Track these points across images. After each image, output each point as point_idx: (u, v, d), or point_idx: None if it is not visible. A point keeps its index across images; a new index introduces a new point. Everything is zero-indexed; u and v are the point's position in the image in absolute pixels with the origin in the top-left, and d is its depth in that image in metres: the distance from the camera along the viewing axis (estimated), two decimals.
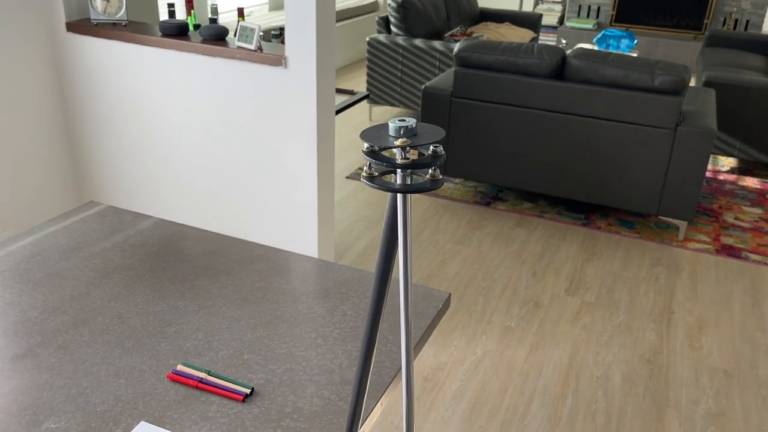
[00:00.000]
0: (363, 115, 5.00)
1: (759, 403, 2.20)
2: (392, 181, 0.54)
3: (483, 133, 3.43)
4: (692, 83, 6.10)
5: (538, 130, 3.30)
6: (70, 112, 2.70)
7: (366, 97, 2.87)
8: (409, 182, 0.53)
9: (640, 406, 2.17)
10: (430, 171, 0.54)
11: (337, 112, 2.64)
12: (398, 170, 0.53)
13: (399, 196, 0.53)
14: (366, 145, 0.53)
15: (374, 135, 0.52)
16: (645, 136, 3.12)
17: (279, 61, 2.13)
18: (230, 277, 1.32)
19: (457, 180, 3.90)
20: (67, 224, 1.50)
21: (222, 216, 2.57)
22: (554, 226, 3.39)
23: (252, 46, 2.18)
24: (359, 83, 5.94)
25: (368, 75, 4.73)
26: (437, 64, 4.47)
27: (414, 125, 0.51)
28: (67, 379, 1.02)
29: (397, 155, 0.52)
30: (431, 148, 0.53)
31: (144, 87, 2.48)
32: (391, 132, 0.51)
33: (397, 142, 0.49)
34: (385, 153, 0.53)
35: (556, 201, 3.67)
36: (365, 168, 0.53)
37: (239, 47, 2.21)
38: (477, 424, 2.06)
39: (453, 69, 3.69)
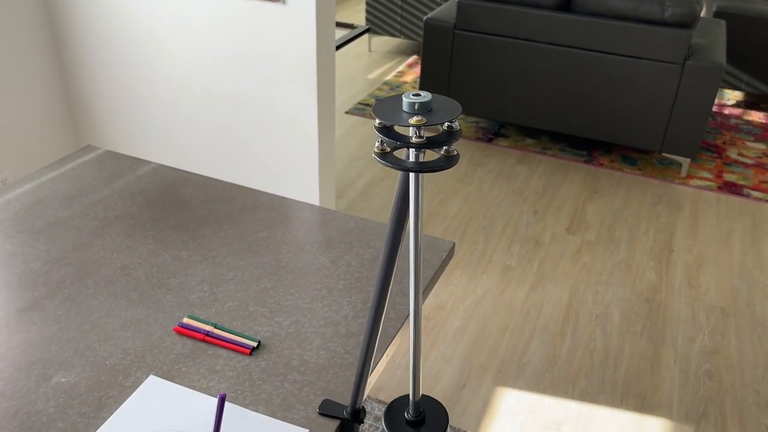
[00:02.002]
0: (362, 46, 4.87)
1: (754, 340, 2.25)
2: (404, 156, 0.52)
3: (486, 67, 3.35)
4: (702, 12, 5.91)
5: (543, 64, 3.22)
6: (61, 49, 2.62)
7: (366, 31, 2.79)
8: (422, 159, 0.51)
9: (637, 343, 2.21)
10: (444, 146, 0.51)
11: (337, 47, 2.56)
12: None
13: (412, 174, 0.51)
14: (378, 120, 0.50)
15: (387, 111, 0.49)
16: (652, 71, 3.04)
17: None
18: (233, 226, 1.31)
19: None
20: (65, 170, 1.48)
21: (221, 155, 2.54)
22: (556, 163, 3.36)
23: None
24: (357, 12, 5.76)
25: (368, 4, 4.58)
26: None
27: (429, 100, 0.49)
28: (75, 332, 1.03)
29: (411, 133, 0.49)
30: (446, 123, 0.50)
31: (138, 24, 2.40)
32: (405, 108, 0.49)
33: (412, 121, 0.47)
34: (397, 129, 0.51)
35: (558, 137, 3.63)
36: (377, 144, 0.51)
37: None
38: (477, 361, 2.11)
39: None
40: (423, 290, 1.18)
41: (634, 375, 2.08)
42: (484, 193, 3.07)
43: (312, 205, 1.39)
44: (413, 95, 0.49)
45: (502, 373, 2.06)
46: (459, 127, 0.50)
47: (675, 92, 3.05)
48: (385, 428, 0.70)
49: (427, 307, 2.34)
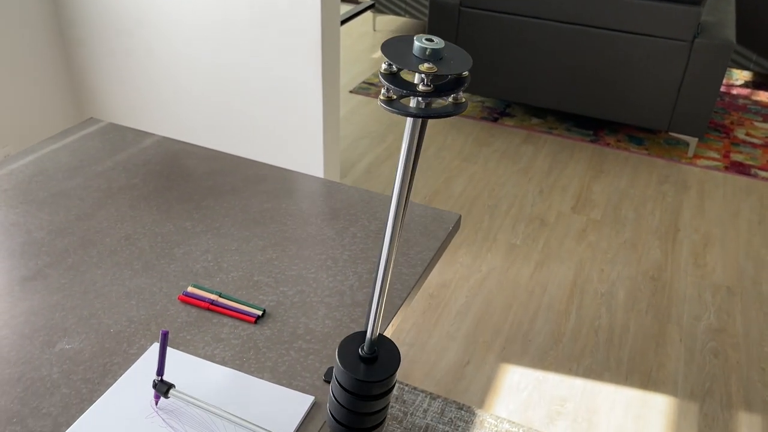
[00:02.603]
0: (366, 26, 4.82)
1: (760, 319, 2.24)
2: (410, 103, 0.51)
3: (492, 45, 3.31)
4: None
5: (550, 42, 3.19)
6: (63, 22, 2.60)
7: (371, 6, 2.75)
8: (429, 105, 0.50)
9: (642, 322, 2.20)
10: (452, 94, 0.50)
11: (342, 22, 2.53)
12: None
13: (417, 120, 0.50)
14: (384, 65, 0.49)
15: (396, 52, 0.48)
16: (660, 49, 3.01)
17: None
18: (237, 198, 1.30)
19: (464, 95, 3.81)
20: (67, 142, 1.47)
21: (224, 132, 2.52)
22: (562, 143, 3.34)
23: None
24: None
25: None
26: None
27: (441, 47, 0.47)
28: (79, 301, 1.02)
29: (418, 80, 0.48)
30: None
31: None
32: (416, 51, 0.47)
33: (422, 68, 0.46)
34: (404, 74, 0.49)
35: (564, 117, 3.60)
36: (383, 91, 0.50)
37: None
38: (481, 339, 2.10)
39: None
40: (429, 260, 1.17)
41: (639, 352, 2.07)
42: (489, 172, 3.05)
43: (317, 178, 1.38)
44: (426, 39, 0.47)
45: (506, 351, 2.06)
46: (468, 75, 0.49)
47: (683, 70, 3.02)
48: (337, 360, 0.69)
49: (431, 285, 2.33)
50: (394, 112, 0.48)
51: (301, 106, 2.30)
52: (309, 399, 0.87)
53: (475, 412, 1.84)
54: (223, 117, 2.49)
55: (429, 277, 2.38)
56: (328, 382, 0.90)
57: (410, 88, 0.48)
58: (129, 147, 1.46)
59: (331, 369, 0.91)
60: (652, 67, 3.06)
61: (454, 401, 1.87)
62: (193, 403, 0.82)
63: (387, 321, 1.03)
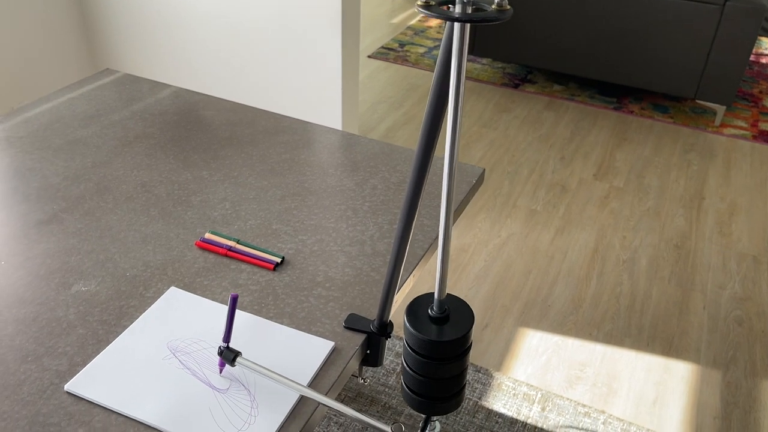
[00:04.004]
0: None
1: None
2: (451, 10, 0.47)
3: (514, 10, 3.23)
4: None
5: (573, 6, 3.10)
6: None
7: None
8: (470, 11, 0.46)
9: (665, 289, 2.16)
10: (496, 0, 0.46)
11: None
12: None
13: (458, 26, 0.46)
14: None
15: None
16: (689, 13, 2.91)
17: None
18: (255, 148, 1.27)
19: (484, 60, 3.73)
20: (83, 92, 1.44)
21: (241, 94, 2.49)
22: (585, 110, 3.26)
23: None
24: None
25: None
26: None
27: None
28: (95, 245, 1.00)
29: None
30: None
31: None
32: None
33: None
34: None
35: (587, 83, 3.51)
36: None
37: None
38: (500, 303, 2.07)
39: None
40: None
41: (662, 320, 2.04)
42: (510, 138, 2.99)
43: (336, 130, 1.35)
44: None
45: (525, 315, 2.03)
46: None
47: (713, 35, 2.92)
48: (407, 324, 0.66)
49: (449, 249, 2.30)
50: (433, 16, 0.44)
51: (320, 68, 2.25)
52: (329, 344, 0.84)
53: (493, 374, 1.82)
54: (241, 79, 2.45)
55: None
56: (349, 329, 0.88)
57: None
58: (146, 97, 1.43)
59: (351, 316, 0.89)
60: (680, 31, 2.96)
61: (472, 363, 1.85)
62: (259, 372, 0.76)
63: (408, 272, 1.00)
